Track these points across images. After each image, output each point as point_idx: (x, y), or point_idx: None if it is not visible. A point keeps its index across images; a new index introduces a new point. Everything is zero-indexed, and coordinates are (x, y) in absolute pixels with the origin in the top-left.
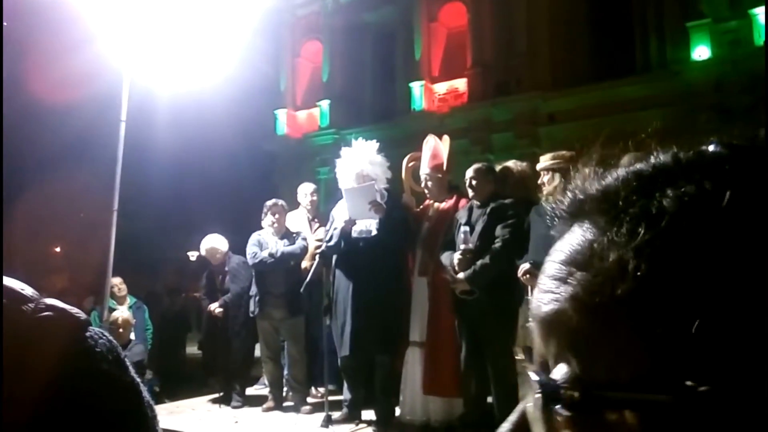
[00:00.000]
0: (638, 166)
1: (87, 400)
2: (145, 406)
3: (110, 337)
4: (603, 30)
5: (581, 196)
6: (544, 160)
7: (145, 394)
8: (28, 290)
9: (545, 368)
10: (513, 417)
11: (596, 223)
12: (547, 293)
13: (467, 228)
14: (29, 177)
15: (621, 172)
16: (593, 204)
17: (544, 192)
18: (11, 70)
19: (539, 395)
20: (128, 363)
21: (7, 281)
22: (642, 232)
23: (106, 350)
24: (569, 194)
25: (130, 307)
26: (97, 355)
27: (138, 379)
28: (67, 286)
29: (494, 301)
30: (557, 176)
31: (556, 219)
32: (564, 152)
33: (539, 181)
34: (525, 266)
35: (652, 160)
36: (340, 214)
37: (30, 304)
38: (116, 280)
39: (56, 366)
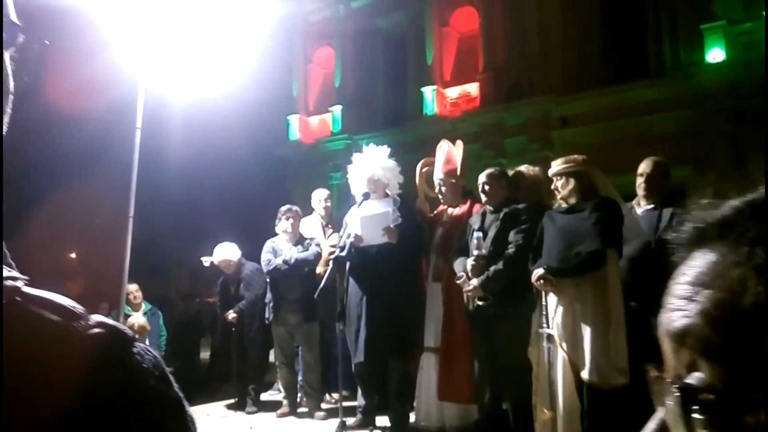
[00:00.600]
0: (750, 196)
1: (136, 416)
2: (189, 421)
3: (155, 353)
4: (616, 32)
5: (701, 225)
6: (557, 165)
7: (188, 408)
8: (78, 307)
9: (678, 378)
10: (652, 425)
11: (717, 247)
12: (676, 311)
13: (480, 234)
14: (45, 184)
15: (735, 202)
16: (713, 231)
17: (558, 197)
18: (22, 71)
19: (677, 400)
20: (172, 378)
21: (59, 298)
22: (759, 252)
23: (152, 365)
24: (688, 225)
25: (145, 313)
26: (144, 371)
27: (182, 394)
28: (82, 291)
29: (508, 307)
30: (571, 180)
31: (677, 248)
32: (576, 156)
33: (552, 186)
34: (539, 271)
35: (761, 190)
36: (352, 221)
37: (81, 321)
38: (132, 287)
39: (106, 382)
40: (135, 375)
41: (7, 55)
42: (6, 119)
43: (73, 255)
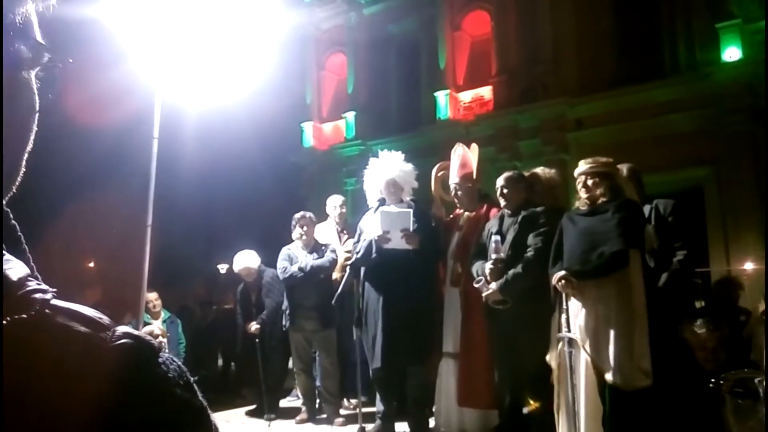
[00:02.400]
0: None
1: (162, 426)
2: (214, 429)
3: (179, 362)
4: (630, 33)
5: None
6: (587, 164)
7: (213, 417)
8: (105, 318)
9: None
10: None
11: None
12: None
13: (498, 237)
14: (64, 193)
15: None
16: None
17: (585, 196)
18: (46, 88)
19: None
20: (196, 387)
21: (85, 309)
22: None
23: (178, 375)
24: None
25: (164, 322)
26: (170, 380)
27: (206, 403)
28: (100, 300)
29: (527, 311)
30: (605, 181)
31: None
32: (604, 158)
33: (580, 186)
34: (560, 273)
35: None
36: (368, 226)
37: (107, 332)
38: (152, 296)
39: (132, 392)
40: (161, 384)
41: (33, 74)
42: (32, 136)
43: (92, 264)
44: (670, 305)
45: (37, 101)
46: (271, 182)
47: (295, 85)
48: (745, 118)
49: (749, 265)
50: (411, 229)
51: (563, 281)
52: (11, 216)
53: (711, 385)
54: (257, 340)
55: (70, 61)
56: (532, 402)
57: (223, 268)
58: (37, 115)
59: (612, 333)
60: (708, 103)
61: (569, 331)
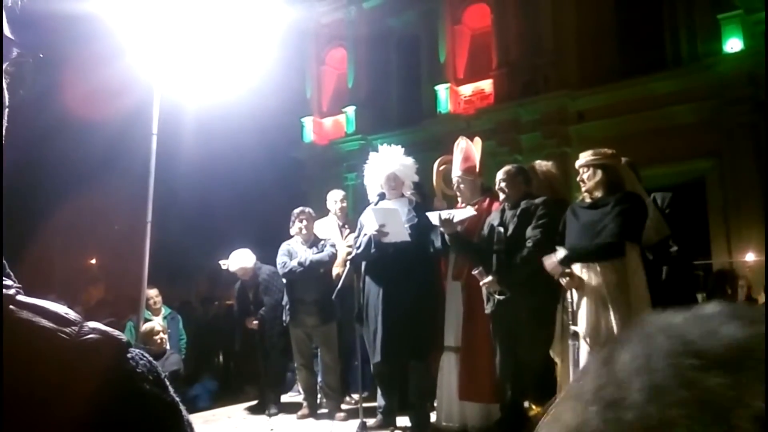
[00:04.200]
0: None
1: (130, 421)
2: (186, 424)
3: (150, 358)
4: (631, 24)
5: None
6: (585, 156)
7: (184, 411)
8: (71, 314)
9: None
10: None
11: None
12: None
13: (501, 229)
14: (63, 191)
15: None
16: None
17: (583, 189)
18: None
19: None
20: (167, 382)
21: (51, 305)
22: None
23: (147, 371)
24: None
25: (164, 318)
26: (138, 375)
27: (177, 398)
28: (103, 296)
29: (531, 304)
30: (599, 172)
31: None
32: (605, 149)
33: (578, 178)
34: (556, 258)
35: None
36: (368, 221)
37: (74, 327)
38: (152, 292)
39: (99, 388)
40: (130, 380)
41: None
42: (3, 131)
43: (93, 261)
44: (669, 298)
45: (7, 97)
46: (271, 177)
47: (295, 79)
48: (747, 109)
49: (750, 257)
50: (406, 223)
51: (567, 277)
52: None
53: None
54: (257, 336)
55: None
56: (534, 407)
57: (224, 264)
58: (7, 110)
59: (611, 325)
60: (710, 94)
61: (573, 324)
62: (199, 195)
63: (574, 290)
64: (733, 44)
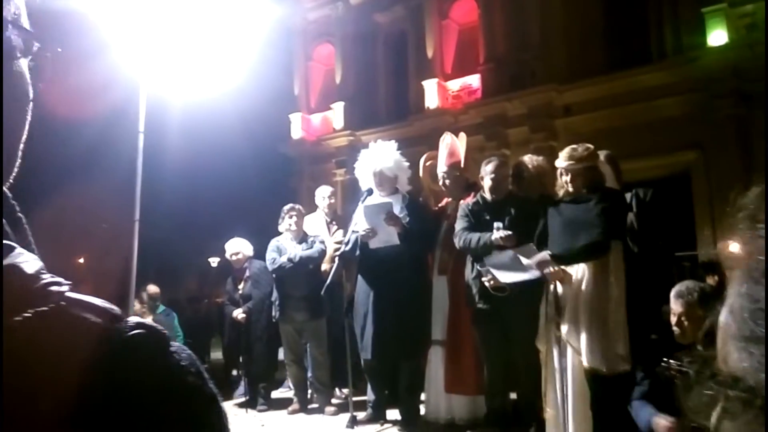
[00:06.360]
0: None
1: (176, 413)
2: (223, 415)
3: (189, 351)
4: (617, 19)
5: None
6: (563, 158)
7: (222, 402)
8: (116, 309)
9: None
10: None
11: None
12: None
13: (500, 224)
14: (50, 189)
15: None
16: None
17: (561, 192)
18: (36, 78)
19: None
20: (206, 374)
21: (98, 301)
22: None
23: (189, 363)
24: None
25: (159, 314)
26: (182, 368)
27: (216, 390)
28: (93, 295)
29: (521, 298)
30: (578, 179)
31: None
32: (582, 151)
33: (558, 183)
34: (543, 256)
35: None
36: (360, 217)
37: (121, 323)
38: (153, 289)
39: (146, 382)
40: (174, 373)
41: (25, 63)
42: (27, 124)
43: (81, 260)
44: (653, 291)
45: (31, 90)
46: (260, 174)
47: (282, 76)
48: (731, 102)
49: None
50: (395, 211)
51: (551, 268)
52: (10, 196)
53: (662, 363)
54: (242, 328)
55: (59, 50)
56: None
57: (214, 261)
58: (31, 104)
59: (589, 319)
60: (694, 87)
61: (558, 316)
62: (188, 193)
63: (558, 282)
64: (718, 37)
